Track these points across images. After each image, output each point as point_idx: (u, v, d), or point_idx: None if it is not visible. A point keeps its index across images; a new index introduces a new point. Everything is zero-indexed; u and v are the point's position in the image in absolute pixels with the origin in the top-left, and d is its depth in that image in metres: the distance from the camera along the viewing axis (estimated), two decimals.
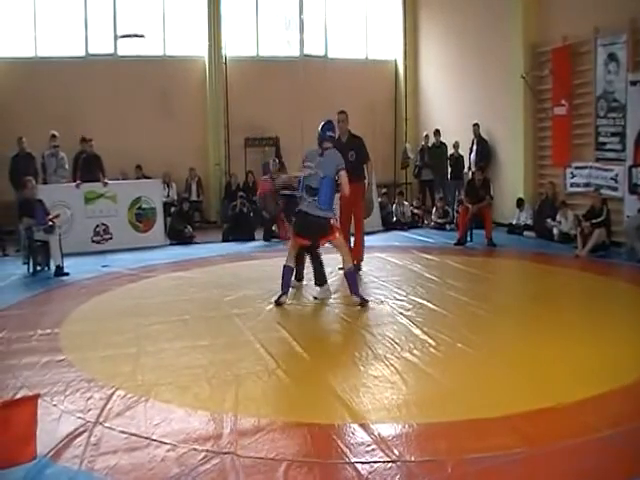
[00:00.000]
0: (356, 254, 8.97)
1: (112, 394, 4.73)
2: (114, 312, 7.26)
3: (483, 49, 14.10)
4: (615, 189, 10.86)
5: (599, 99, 11.19)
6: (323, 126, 7.42)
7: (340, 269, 8.28)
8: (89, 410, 4.46)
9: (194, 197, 14.97)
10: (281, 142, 15.59)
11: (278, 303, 7.27)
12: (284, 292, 7.39)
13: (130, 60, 14.86)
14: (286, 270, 7.44)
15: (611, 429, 4.04)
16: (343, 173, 7.17)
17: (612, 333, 6.10)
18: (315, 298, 7.55)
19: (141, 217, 12.16)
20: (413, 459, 3.72)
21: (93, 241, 11.67)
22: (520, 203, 12.83)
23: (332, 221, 7.27)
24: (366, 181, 9.31)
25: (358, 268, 8.97)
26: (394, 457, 3.72)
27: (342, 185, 7.23)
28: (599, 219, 10.19)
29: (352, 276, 7.35)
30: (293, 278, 7.79)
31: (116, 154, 13.75)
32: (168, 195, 14.37)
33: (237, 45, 15.84)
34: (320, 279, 7.67)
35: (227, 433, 4.07)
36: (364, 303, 7.16)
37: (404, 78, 17.25)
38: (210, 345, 5.94)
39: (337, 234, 7.25)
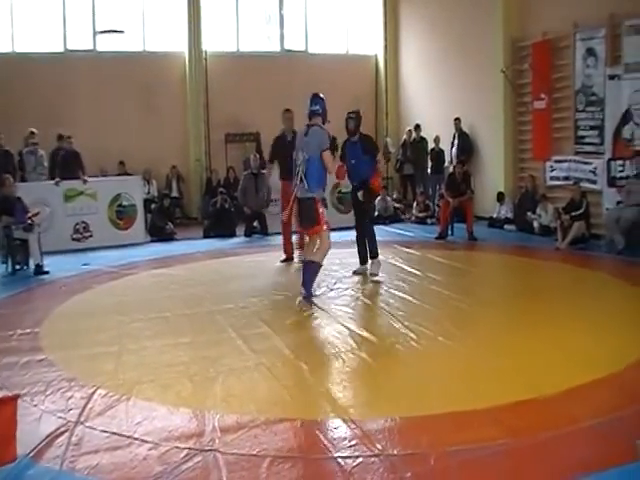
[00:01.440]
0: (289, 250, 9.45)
1: (93, 393, 4.69)
2: (95, 310, 7.20)
3: (464, 43, 14.13)
4: (594, 182, 10.95)
5: (578, 93, 11.28)
6: (310, 99, 7.19)
7: (355, 272, 8.44)
8: (70, 410, 4.42)
9: (175, 193, 14.93)
10: (262, 137, 15.50)
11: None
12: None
13: (109, 56, 14.75)
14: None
15: (595, 419, 4.07)
16: (325, 153, 6.93)
17: (594, 324, 6.15)
18: (355, 272, 8.09)
19: (121, 214, 12.07)
20: (396, 452, 3.73)
21: (73, 239, 11.55)
22: (500, 197, 12.89)
23: (319, 205, 6.93)
24: None
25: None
26: (377, 451, 3.72)
27: (326, 165, 6.97)
28: (579, 212, 10.26)
29: (310, 270, 7.01)
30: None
31: (96, 151, 13.65)
32: (148, 192, 14.29)
33: (217, 40, 15.78)
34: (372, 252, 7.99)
35: (209, 430, 4.05)
36: (307, 298, 6.88)
37: (385, 73, 17.26)
38: (192, 342, 5.91)
39: (324, 227, 6.98)
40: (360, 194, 8.21)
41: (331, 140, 7.12)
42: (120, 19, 14.70)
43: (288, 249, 9.57)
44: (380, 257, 8.46)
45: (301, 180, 6.89)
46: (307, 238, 7.44)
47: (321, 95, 7.17)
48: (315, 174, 6.90)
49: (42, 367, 5.30)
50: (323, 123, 7.12)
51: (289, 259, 9.53)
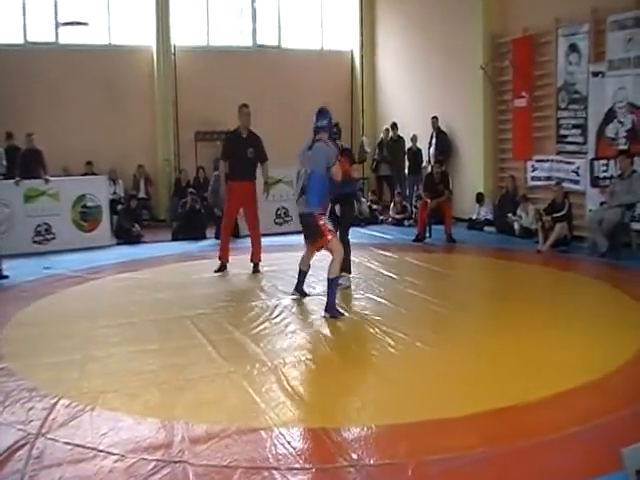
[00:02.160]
0: (254, 254, 9.23)
1: (55, 403, 4.63)
2: (58, 316, 7.13)
3: (442, 39, 14.23)
4: (577, 182, 11.07)
5: (560, 90, 11.38)
6: (317, 114, 7.08)
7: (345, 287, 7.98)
8: (30, 421, 4.36)
9: (142, 194, 14.86)
10: None
11: (297, 292, 7.51)
12: (296, 289, 7.56)
13: (73, 49, 14.64)
14: (299, 272, 7.57)
15: (577, 426, 4.10)
16: (333, 168, 6.89)
17: (576, 329, 6.20)
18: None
19: (86, 216, 11.96)
20: (372, 462, 3.73)
21: (34, 242, 11.43)
22: (480, 198, 12.99)
23: (319, 218, 6.82)
24: (261, 180, 9.44)
25: (257, 270, 9.14)
26: (353, 461, 3.72)
27: (333, 175, 6.91)
28: (560, 213, 10.36)
29: (334, 290, 6.84)
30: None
31: (59, 149, 13.54)
32: (114, 192, 14.20)
33: (186, 34, 15.73)
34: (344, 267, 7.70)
35: (178, 441, 4.02)
36: (336, 316, 6.70)
37: (361, 69, 17.33)
38: (160, 349, 5.88)
39: (329, 236, 6.84)
40: (337, 209, 8.05)
41: (346, 149, 7.30)
42: (84, 10, 14.58)
43: (225, 255, 9.29)
44: (356, 260, 8.46)
45: (301, 194, 6.92)
46: (306, 249, 7.41)
47: (327, 109, 7.14)
48: (315, 189, 6.85)
49: (1, 376, 5.23)
50: (329, 138, 7.07)
51: (224, 267, 9.22)
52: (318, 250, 7.27)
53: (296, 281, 7.64)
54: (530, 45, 11.99)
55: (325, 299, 6.87)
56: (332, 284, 6.83)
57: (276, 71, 16.10)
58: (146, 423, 4.32)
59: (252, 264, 9.19)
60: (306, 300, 7.44)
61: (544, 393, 4.61)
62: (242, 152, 8.97)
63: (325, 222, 6.92)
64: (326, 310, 6.77)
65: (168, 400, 4.70)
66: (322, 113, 7.05)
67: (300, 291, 7.58)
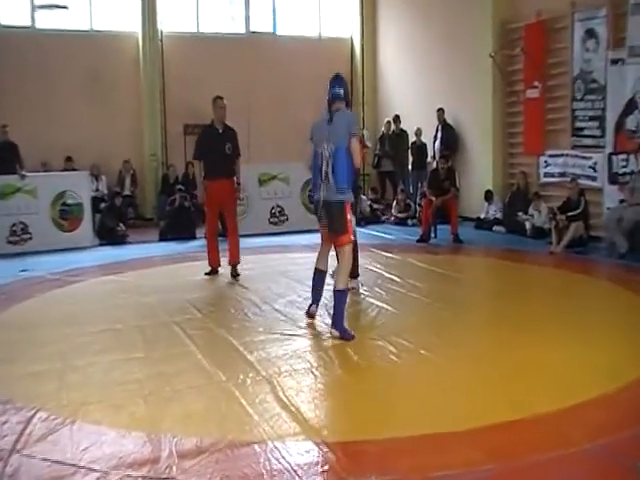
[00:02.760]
0: (232, 256, 9.13)
1: (32, 416, 4.61)
2: (35, 322, 7.10)
3: (448, 25, 14.24)
4: (594, 179, 11.07)
5: (576, 80, 11.37)
6: (331, 81, 6.56)
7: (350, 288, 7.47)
8: (4, 436, 4.34)
9: (127, 191, 14.86)
10: None
11: (308, 314, 6.91)
12: (313, 301, 6.94)
13: (51, 34, 14.61)
14: (316, 274, 6.88)
15: (591, 442, 4.08)
16: (354, 140, 6.28)
17: (592, 337, 6.19)
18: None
19: (66, 214, 11.96)
20: (373, 479, 3.73)
21: (9, 242, 11.43)
22: (489, 195, 13.00)
23: (348, 210, 6.35)
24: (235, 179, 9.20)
25: (235, 273, 9.06)
26: (351, 477, 3.72)
27: (353, 155, 6.30)
28: (576, 212, 10.36)
29: (342, 302, 6.38)
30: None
31: (36, 142, 13.52)
32: (97, 189, 14.20)
33: (174, 19, 15.73)
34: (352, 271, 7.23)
35: (166, 456, 4.01)
36: (349, 338, 6.19)
37: (361, 58, 17.34)
38: (146, 357, 5.87)
39: (349, 238, 6.44)
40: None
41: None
42: None
43: (214, 259, 9.20)
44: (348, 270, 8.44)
45: (326, 178, 6.30)
46: (322, 244, 6.85)
47: (343, 77, 6.72)
48: (344, 170, 6.28)
49: None
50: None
51: (215, 271, 9.20)
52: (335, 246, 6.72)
53: (311, 289, 7.00)
54: (543, 31, 11.99)
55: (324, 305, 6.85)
56: (341, 298, 6.35)
57: (270, 60, 16.10)
58: (131, 437, 4.30)
59: (230, 267, 9.10)
60: (304, 304, 7.41)
61: (554, 406, 4.60)
62: (219, 148, 8.88)
63: (352, 218, 6.52)
64: (333, 325, 6.34)
65: (154, 412, 4.69)
66: (338, 79, 6.58)
67: (316, 303, 6.94)
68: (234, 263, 9.11)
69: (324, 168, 6.30)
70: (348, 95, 6.74)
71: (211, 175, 8.91)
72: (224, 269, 9.17)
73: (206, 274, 9.15)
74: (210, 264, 9.22)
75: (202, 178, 9.05)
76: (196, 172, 9.32)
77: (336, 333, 6.25)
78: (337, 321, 6.31)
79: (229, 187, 9.04)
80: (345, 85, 6.67)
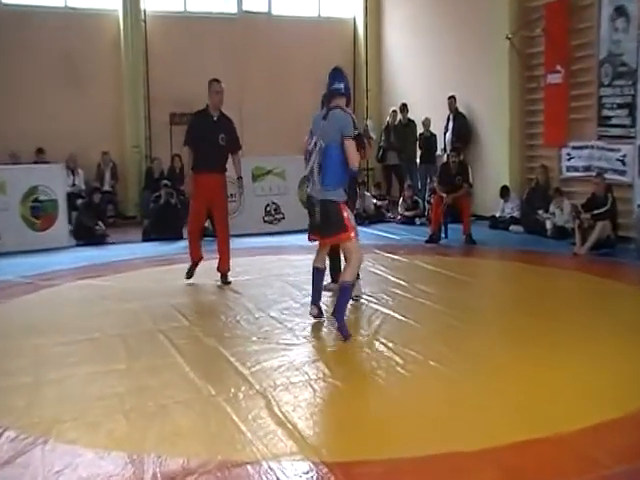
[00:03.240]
0: (222, 263, 8.96)
1: (0, 436, 4.60)
2: (3, 332, 7.09)
3: (461, 5, 14.27)
4: (622, 173, 11.07)
5: (603, 63, 11.37)
6: (330, 75, 6.71)
7: (326, 289, 7.72)
8: None
9: (107, 187, 14.87)
10: None
11: (313, 315, 7.10)
12: (313, 301, 7.12)
13: (20, 11, 14.62)
14: (315, 273, 7.08)
15: (621, 465, 4.07)
16: (348, 143, 6.39)
17: (619, 350, 6.16)
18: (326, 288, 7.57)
19: (38, 211, 11.97)
20: None
21: None
22: (505, 192, 13.00)
23: (343, 209, 6.54)
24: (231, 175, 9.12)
25: (226, 281, 8.91)
26: None
27: (347, 157, 6.42)
28: (602, 210, 10.37)
29: (347, 295, 6.69)
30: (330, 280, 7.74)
31: (4, 131, 13.52)
32: (74, 184, 14.22)
33: None
34: (335, 276, 7.58)
35: (149, 478, 3.99)
36: (345, 337, 6.47)
37: (365, 41, 17.36)
38: (128, 369, 5.85)
39: (352, 234, 6.64)
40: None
41: (358, 133, 6.70)
42: None
43: (196, 253, 9.06)
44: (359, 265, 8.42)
45: (311, 173, 6.55)
46: (319, 246, 7.06)
47: (342, 69, 6.80)
48: (334, 168, 6.48)
49: None
50: (347, 105, 6.72)
51: (195, 265, 9.05)
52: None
53: (311, 289, 7.18)
54: (566, 9, 12.00)
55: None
56: (345, 291, 6.61)
57: (265, 42, 16.12)
58: (110, 458, 4.28)
59: (220, 274, 8.96)
60: (301, 310, 7.41)
61: (577, 425, 4.57)
62: (212, 138, 8.65)
63: (349, 215, 6.71)
64: (334, 314, 6.65)
65: (136, 430, 4.66)
66: (338, 73, 6.70)
67: (317, 304, 7.13)
68: (224, 271, 8.97)
69: (311, 163, 6.56)
70: (349, 90, 6.81)
71: (200, 167, 8.68)
72: (213, 273, 9.15)
73: (188, 275, 8.97)
74: (192, 258, 9.04)
75: (190, 169, 8.82)
76: (184, 161, 9.12)
77: (335, 323, 6.58)
78: (338, 315, 6.58)
79: (219, 183, 8.83)
80: (346, 80, 6.76)
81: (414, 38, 16.09)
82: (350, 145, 6.42)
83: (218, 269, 9.00)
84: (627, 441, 4.50)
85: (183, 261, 10.40)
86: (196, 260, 9.05)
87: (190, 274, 9.05)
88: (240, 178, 9.10)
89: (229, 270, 9.00)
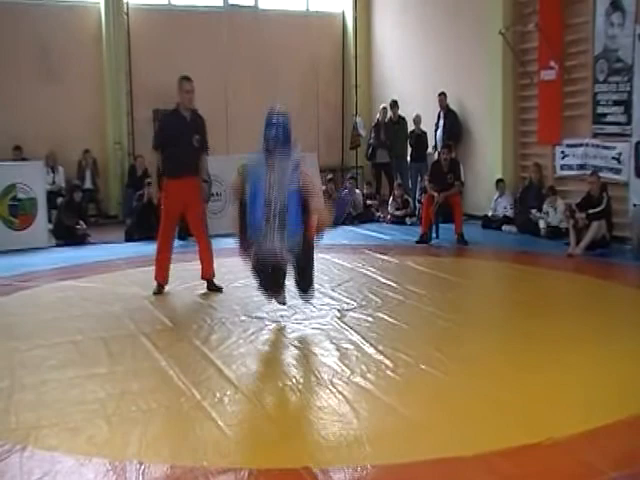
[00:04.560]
0: (205, 269, 8.64)
1: None
2: None
3: None
4: (618, 171, 11.09)
5: (598, 59, 11.39)
6: (267, 121, 6.48)
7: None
8: None
9: (88, 185, 14.80)
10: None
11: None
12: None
13: None
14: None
15: (617, 470, 4.07)
16: (316, 204, 6.36)
17: (615, 352, 6.18)
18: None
19: (16, 210, 11.92)
20: None
21: None
22: (500, 185, 12.93)
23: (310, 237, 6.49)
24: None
25: (215, 287, 8.60)
26: None
27: (314, 221, 6.34)
28: (597, 209, 10.40)
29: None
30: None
31: None
32: (53, 182, 14.17)
33: None
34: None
35: None
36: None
37: (354, 36, 17.36)
38: (109, 373, 5.83)
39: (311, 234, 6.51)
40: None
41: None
42: None
43: (162, 273, 8.63)
44: (348, 265, 8.44)
45: (275, 230, 6.33)
46: None
47: (280, 112, 6.49)
48: (295, 210, 6.40)
49: None
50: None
51: (161, 289, 8.60)
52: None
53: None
54: (561, 4, 12.03)
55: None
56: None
57: (251, 37, 16.08)
58: (91, 464, 4.26)
59: (205, 282, 8.67)
60: (287, 312, 7.39)
61: (574, 429, 4.58)
62: (186, 140, 8.31)
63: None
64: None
65: (119, 435, 4.64)
66: (273, 119, 6.40)
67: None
68: (209, 277, 8.66)
69: (274, 220, 6.33)
70: (291, 136, 6.50)
71: (173, 173, 8.31)
72: (197, 276, 9.11)
73: (154, 293, 8.53)
74: (156, 278, 8.63)
75: (159, 175, 8.55)
76: (149, 164, 8.79)
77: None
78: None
79: (195, 187, 8.48)
80: (285, 123, 6.45)
81: (405, 33, 16.10)
82: (318, 205, 6.33)
83: (202, 277, 8.70)
84: (624, 446, 4.51)
85: None
86: (161, 282, 8.61)
87: (159, 292, 8.58)
88: (206, 181, 8.85)
89: (214, 276, 8.70)
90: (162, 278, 8.64)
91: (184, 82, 8.43)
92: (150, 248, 11.64)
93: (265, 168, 6.42)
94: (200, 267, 8.73)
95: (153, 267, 8.74)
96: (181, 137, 8.33)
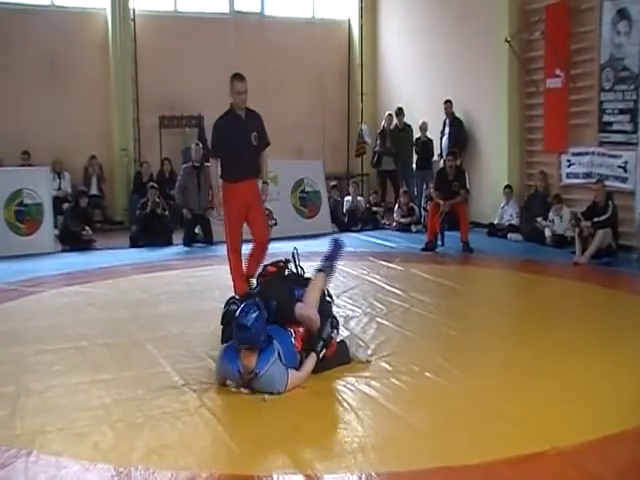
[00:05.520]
0: (250, 267, 7.99)
1: None
2: None
3: (458, 7, 14.28)
4: (624, 180, 11.07)
5: (604, 67, 11.38)
6: (241, 314, 5.36)
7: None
8: None
9: (94, 191, 14.83)
10: (206, 122, 15.47)
11: None
12: None
13: (3, 9, 14.54)
14: None
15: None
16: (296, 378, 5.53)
17: (621, 362, 6.16)
18: None
19: (23, 215, 11.95)
20: None
21: None
22: (508, 191, 12.89)
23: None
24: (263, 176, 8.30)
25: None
26: None
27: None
28: (603, 217, 10.36)
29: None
30: None
31: None
32: (60, 187, 14.21)
33: None
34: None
35: None
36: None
37: (360, 43, 17.37)
38: (114, 379, 5.82)
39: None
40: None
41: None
42: None
43: (241, 287, 7.88)
44: (353, 272, 8.42)
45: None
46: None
47: (248, 319, 5.29)
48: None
49: None
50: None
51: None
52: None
53: None
54: (567, 12, 12.00)
55: None
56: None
57: (257, 44, 16.10)
58: (96, 470, 4.26)
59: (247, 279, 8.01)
60: None
61: (580, 439, 4.56)
62: (244, 140, 7.89)
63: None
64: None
65: (124, 441, 4.64)
66: (241, 325, 5.26)
67: None
68: (250, 276, 8.00)
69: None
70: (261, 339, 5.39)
71: (233, 176, 7.89)
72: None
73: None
74: (237, 290, 7.88)
75: (219, 178, 8.08)
76: (213, 173, 8.24)
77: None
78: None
79: (255, 188, 8.08)
80: (255, 325, 5.30)
81: (410, 40, 16.10)
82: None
83: (246, 275, 8.05)
84: (630, 456, 4.50)
85: (172, 268, 10.45)
86: (240, 293, 7.49)
87: None
88: (265, 183, 8.32)
89: (253, 277, 7.85)
90: (241, 288, 7.81)
91: (236, 83, 7.87)
92: (155, 254, 11.74)
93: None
94: (246, 264, 8.09)
95: (158, 273, 8.64)
96: (239, 137, 7.91)
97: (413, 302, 8.21)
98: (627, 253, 10.59)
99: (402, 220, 13.95)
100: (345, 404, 5.20)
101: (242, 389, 5.40)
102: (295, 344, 5.67)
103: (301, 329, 5.79)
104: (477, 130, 14.08)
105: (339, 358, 5.97)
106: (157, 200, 12.79)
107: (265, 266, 6.62)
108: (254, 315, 5.30)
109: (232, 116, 7.96)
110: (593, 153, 11.64)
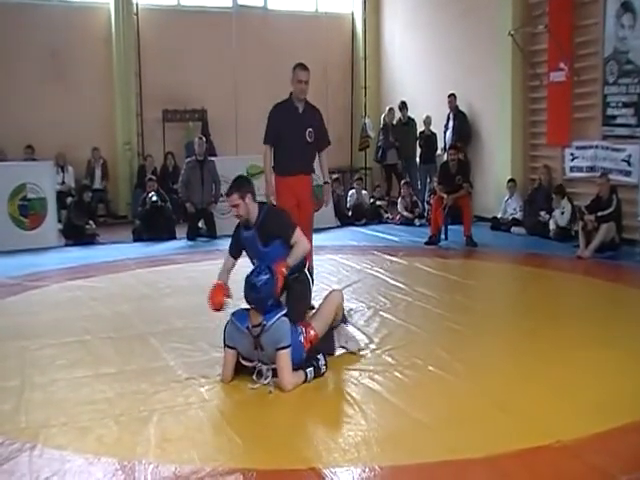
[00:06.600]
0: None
1: None
2: None
3: (462, 0, 14.22)
4: (628, 174, 11.06)
5: (608, 61, 11.35)
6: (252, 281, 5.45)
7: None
8: None
9: (98, 185, 14.83)
10: (209, 116, 15.51)
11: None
12: None
13: (6, 4, 14.51)
14: None
15: (627, 474, 4.05)
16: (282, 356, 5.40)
17: (625, 356, 6.14)
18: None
19: (26, 210, 11.95)
20: None
21: None
22: (511, 185, 12.88)
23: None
24: (319, 175, 8.20)
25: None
26: None
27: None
28: (607, 211, 10.35)
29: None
30: None
31: None
32: (63, 182, 14.20)
33: None
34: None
35: None
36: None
37: (363, 37, 17.35)
38: (118, 373, 5.83)
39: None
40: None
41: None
42: None
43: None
44: (357, 266, 8.36)
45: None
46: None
47: (260, 279, 5.42)
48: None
49: None
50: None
51: None
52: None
53: None
54: (571, 5, 11.98)
55: None
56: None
57: (261, 38, 16.08)
58: (100, 464, 4.26)
59: None
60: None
61: (584, 432, 4.56)
62: (297, 134, 7.60)
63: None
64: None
65: (127, 435, 4.65)
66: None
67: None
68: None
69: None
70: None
71: (284, 170, 7.68)
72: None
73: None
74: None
75: (271, 169, 7.82)
76: (266, 162, 7.84)
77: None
78: None
79: (308, 184, 7.83)
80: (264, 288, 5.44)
81: (414, 34, 16.07)
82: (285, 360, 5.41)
83: None
84: (635, 449, 4.49)
85: (176, 262, 10.45)
86: None
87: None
88: (327, 183, 8.10)
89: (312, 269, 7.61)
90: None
91: (299, 71, 7.61)
92: (158, 248, 11.75)
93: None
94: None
95: (161, 267, 8.69)
96: (292, 130, 7.62)
97: (416, 296, 8.21)
98: (631, 247, 10.57)
99: (405, 214, 13.92)
100: (348, 398, 5.20)
101: (249, 385, 5.40)
102: (303, 343, 5.67)
103: (312, 332, 5.79)
104: (481, 124, 14.05)
105: (321, 348, 5.89)
106: (156, 195, 12.74)
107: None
108: (265, 277, 5.44)
109: (289, 105, 7.70)
110: (597, 147, 11.62)
